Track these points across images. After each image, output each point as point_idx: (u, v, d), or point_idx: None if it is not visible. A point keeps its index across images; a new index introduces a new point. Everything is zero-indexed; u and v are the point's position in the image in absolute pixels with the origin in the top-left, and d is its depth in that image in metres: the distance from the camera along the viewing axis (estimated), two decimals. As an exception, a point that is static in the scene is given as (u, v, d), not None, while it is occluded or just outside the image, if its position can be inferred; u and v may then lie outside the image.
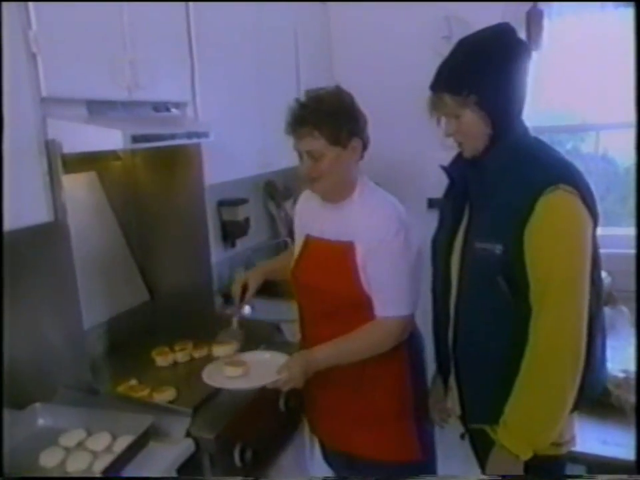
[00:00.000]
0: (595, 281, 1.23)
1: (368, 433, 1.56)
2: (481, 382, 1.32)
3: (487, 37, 1.26)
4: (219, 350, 1.59)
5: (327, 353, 1.45)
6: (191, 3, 1.86)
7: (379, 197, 1.54)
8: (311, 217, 1.60)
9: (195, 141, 1.74)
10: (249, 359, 1.54)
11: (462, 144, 1.30)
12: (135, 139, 1.43)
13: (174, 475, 1.37)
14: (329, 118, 1.41)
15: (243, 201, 2.60)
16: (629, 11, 2.55)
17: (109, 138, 1.42)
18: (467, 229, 1.32)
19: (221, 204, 2.58)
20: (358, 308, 1.48)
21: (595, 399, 1.36)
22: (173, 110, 1.84)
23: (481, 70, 1.21)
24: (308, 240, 1.59)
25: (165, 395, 1.55)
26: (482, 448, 1.39)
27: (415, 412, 1.57)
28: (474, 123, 1.23)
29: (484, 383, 1.31)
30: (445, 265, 1.37)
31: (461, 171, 1.33)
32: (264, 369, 1.45)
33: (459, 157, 1.36)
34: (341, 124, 1.42)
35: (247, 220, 2.62)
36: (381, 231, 1.44)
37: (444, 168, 1.38)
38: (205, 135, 1.74)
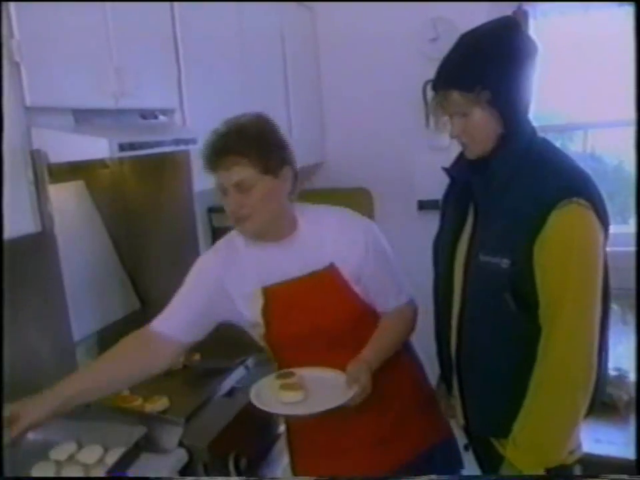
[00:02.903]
0: (603, 288, 1.19)
1: (408, 426, 1.44)
2: (485, 395, 1.28)
3: (495, 31, 1.18)
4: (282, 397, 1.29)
5: (375, 350, 1.33)
6: (176, 9, 1.85)
7: (327, 209, 1.43)
8: (251, 266, 1.36)
9: (182, 147, 1.73)
10: (303, 379, 1.32)
11: (467, 145, 1.22)
12: (122, 147, 1.42)
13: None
14: (256, 144, 1.26)
15: (233, 207, 2.59)
16: (613, 12, 2.58)
17: (95, 147, 1.41)
18: (470, 237, 1.25)
19: (211, 210, 2.57)
20: (362, 322, 1.38)
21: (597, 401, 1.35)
22: (161, 117, 1.83)
23: (494, 65, 1.13)
24: (269, 291, 1.34)
25: (157, 405, 1.54)
26: (485, 457, 1.38)
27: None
28: (484, 121, 1.16)
29: (488, 397, 1.28)
30: (447, 269, 1.31)
31: (464, 174, 1.26)
32: (322, 387, 1.29)
33: (461, 158, 1.29)
34: (269, 150, 1.27)
35: (237, 226, 2.61)
36: (360, 237, 1.37)
37: (446, 170, 1.32)
38: (192, 141, 1.73)
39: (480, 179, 1.21)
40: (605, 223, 1.16)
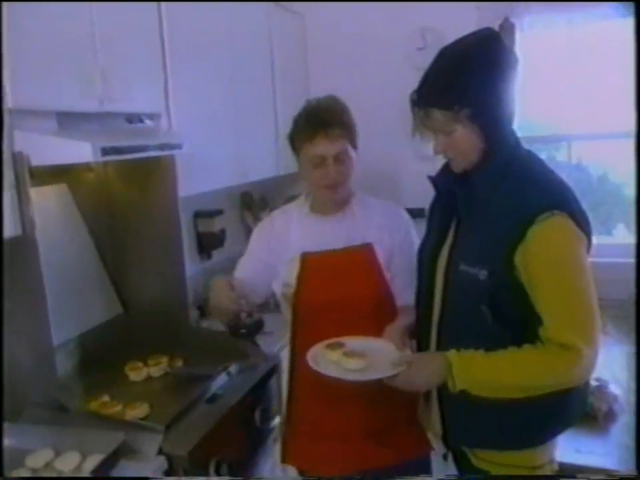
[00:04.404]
0: None
1: (400, 436, 1.50)
2: (463, 406, 1.24)
3: (473, 45, 1.17)
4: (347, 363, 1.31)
5: (407, 321, 1.38)
6: (164, 12, 1.85)
7: (372, 198, 1.57)
8: (300, 234, 1.50)
9: (167, 152, 1.72)
10: (363, 347, 1.33)
11: (452, 159, 1.22)
12: (105, 151, 1.41)
13: (146, 493, 1.34)
14: (351, 121, 1.46)
15: (219, 212, 2.58)
16: (598, 25, 2.62)
17: (78, 150, 1.40)
18: (451, 247, 1.25)
19: (197, 215, 2.56)
20: (383, 307, 1.46)
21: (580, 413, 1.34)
22: (147, 121, 1.82)
23: (472, 81, 1.13)
24: (307, 257, 1.46)
25: (138, 411, 1.52)
26: (464, 469, 1.37)
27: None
28: (466, 138, 1.16)
29: (465, 408, 1.24)
30: (429, 278, 1.30)
31: (448, 184, 1.26)
32: (376, 354, 1.31)
33: (446, 168, 1.28)
34: (356, 128, 1.47)
35: (222, 231, 2.60)
36: (402, 222, 1.52)
37: (431, 179, 1.31)
38: (177, 146, 1.72)
39: (462, 190, 1.21)
40: (587, 234, 1.16)
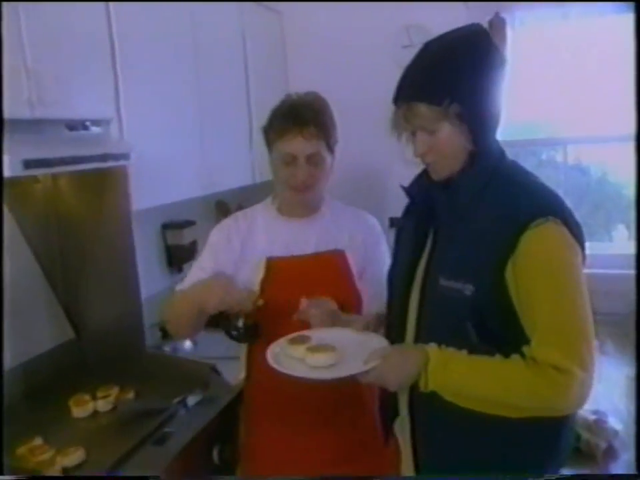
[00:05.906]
0: None
1: (367, 459, 1.44)
2: (440, 445, 1.14)
3: (462, 39, 1.09)
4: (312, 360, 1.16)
5: (374, 318, 1.31)
6: (112, 9, 1.67)
7: (344, 205, 1.52)
8: (265, 237, 1.42)
9: (111, 164, 1.54)
10: (331, 339, 1.19)
11: (433, 164, 1.11)
12: (27, 164, 1.24)
13: None
14: (331, 121, 1.38)
15: (189, 223, 2.42)
16: (594, 20, 2.45)
17: (-7, 163, 1.22)
18: (429, 261, 1.14)
19: (166, 227, 2.40)
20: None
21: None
22: (93, 128, 1.64)
23: (463, 75, 1.04)
24: (272, 262, 1.39)
25: (72, 458, 1.34)
26: None
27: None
28: (453, 138, 1.06)
29: (443, 447, 1.13)
30: (402, 302, 1.18)
31: (425, 193, 1.16)
32: (352, 352, 1.16)
33: (422, 176, 1.19)
34: (335, 130, 1.40)
35: (193, 243, 2.43)
36: (375, 232, 1.48)
37: (404, 189, 1.20)
38: (124, 156, 1.54)
39: (442, 197, 1.11)
40: (581, 246, 1.07)
